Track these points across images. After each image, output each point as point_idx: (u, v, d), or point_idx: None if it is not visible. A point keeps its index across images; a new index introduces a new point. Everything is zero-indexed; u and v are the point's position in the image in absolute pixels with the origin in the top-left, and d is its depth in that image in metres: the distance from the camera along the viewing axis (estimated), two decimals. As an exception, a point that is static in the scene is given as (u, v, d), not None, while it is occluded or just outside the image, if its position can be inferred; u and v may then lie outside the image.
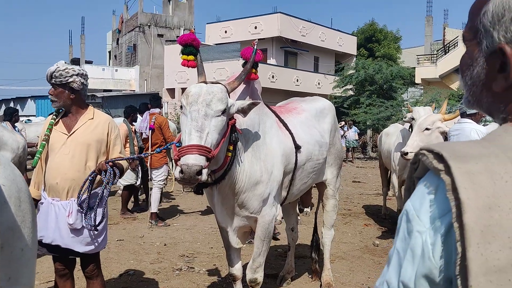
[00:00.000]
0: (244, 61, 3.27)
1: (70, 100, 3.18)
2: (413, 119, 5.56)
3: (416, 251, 0.77)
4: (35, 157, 3.15)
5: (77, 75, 3.15)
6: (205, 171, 2.58)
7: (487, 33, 0.85)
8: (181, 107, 2.85)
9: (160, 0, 34.41)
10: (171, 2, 34.12)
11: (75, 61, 35.30)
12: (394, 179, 6.59)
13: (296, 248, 4.91)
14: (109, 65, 37.46)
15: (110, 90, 31.32)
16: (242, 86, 3.26)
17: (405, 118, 6.07)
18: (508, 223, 0.70)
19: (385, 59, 29.27)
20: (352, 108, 24.11)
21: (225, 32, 28.96)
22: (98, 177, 3.11)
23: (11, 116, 7.79)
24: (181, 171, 2.55)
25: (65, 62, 3.22)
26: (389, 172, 8.04)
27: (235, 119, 2.98)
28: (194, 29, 3.52)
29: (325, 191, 4.27)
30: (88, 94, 28.26)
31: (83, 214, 3.05)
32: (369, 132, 24.38)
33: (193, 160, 2.55)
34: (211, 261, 5.37)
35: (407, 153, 4.72)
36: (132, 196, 8.20)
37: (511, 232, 0.69)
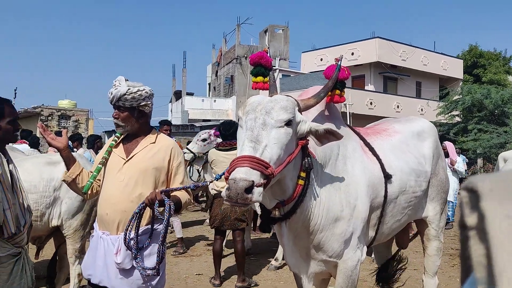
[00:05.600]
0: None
1: (138, 124, 2.81)
2: None
3: None
4: (87, 182, 2.81)
5: (149, 97, 2.79)
6: (257, 190, 2.01)
7: None
8: (239, 119, 2.38)
9: (257, 32, 35.13)
10: (267, 33, 34.65)
11: (178, 93, 37.01)
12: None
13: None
14: (209, 96, 38.75)
15: (209, 120, 32.20)
16: (319, 108, 2.72)
17: None
18: None
19: (494, 85, 26.95)
20: (460, 136, 22.24)
21: (321, 59, 28.56)
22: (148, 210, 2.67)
23: (93, 144, 7.82)
24: (228, 188, 2.02)
25: (126, 79, 2.87)
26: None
27: (308, 140, 2.43)
28: (268, 48, 3.07)
29: (426, 231, 3.52)
30: (188, 124, 29.32)
31: (133, 255, 2.62)
32: (479, 161, 22.25)
33: (242, 174, 2.00)
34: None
35: None
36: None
37: None
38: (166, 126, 6.81)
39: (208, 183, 2.81)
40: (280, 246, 6.05)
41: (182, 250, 6.94)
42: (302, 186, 2.40)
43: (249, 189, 1.98)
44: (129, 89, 2.71)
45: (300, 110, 2.42)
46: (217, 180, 2.82)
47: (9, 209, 2.50)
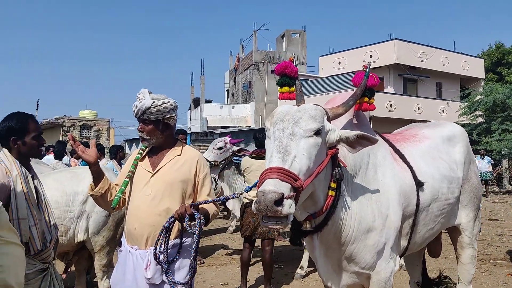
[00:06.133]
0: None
1: (163, 137, 2.78)
2: None
3: None
4: (115, 197, 2.77)
5: (173, 109, 2.75)
6: (288, 203, 1.95)
7: None
8: (266, 130, 2.33)
9: (274, 37, 35.19)
10: (284, 38, 34.69)
11: (196, 101, 37.20)
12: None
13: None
14: (227, 102, 38.88)
15: (228, 127, 32.30)
16: (347, 116, 2.65)
17: None
18: None
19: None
20: (483, 137, 21.78)
21: (339, 63, 28.41)
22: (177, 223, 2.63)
23: (116, 154, 7.83)
24: (257, 201, 1.97)
25: (149, 92, 2.84)
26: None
27: (337, 149, 2.36)
28: (294, 56, 2.99)
29: (459, 239, 3.41)
30: (207, 131, 29.50)
31: (163, 270, 2.59)
32: (505, 162, 21.74)
33: (271, 186, 1.94)
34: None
35: None
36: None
37: None
38: (181, 135, 6.79)
39: (238, 195, 2.76)
40: (305, 254, 5.97)
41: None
42: (333, 197, 2.34)
43: (279, 202, 1.92)
44: (153, 102, 2.68)
45: (329, 119, 2.36)
46: (247, 192, 2.77)
47: (35, 225, 2.48)
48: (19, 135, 2.58)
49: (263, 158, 5.13)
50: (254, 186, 2.35)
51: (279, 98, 2.75)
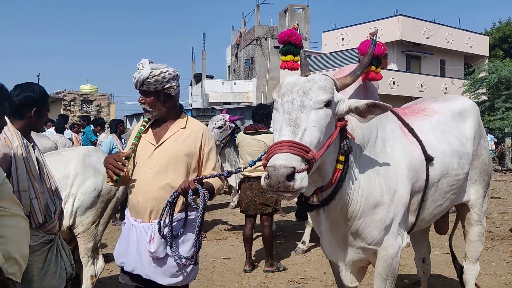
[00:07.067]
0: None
1: (165, 108, 2.70)
2: None
3: None
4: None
5: (173, 78, 2.65)
6: (300, 176, 1.88)
7: None
8: (274, 102, 2.24)
9: (276, 12, 34.73)
10: (287, 13, 34.24)
11: (197, 76, 36.95)
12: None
13: (428, 281, 4.01)
14: (229, 79, 38.61)
15: (230, 103, 32.17)
16: (355, 85, 2.57)
17: None
18: None
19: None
20: (486, 115, 21.65)
21: (342, 39, 28.07)
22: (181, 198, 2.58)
23: (116, 128, 7.76)
24: (267, 176, 1.90)
25: (150, 61, 2.75)
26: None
27: (346, 121, 2.29)
28: (298, 24, 2.85)
29: (468, 216, 3.36)
30: (208, 107, 29.35)
31: (168, 244, 2.55)
32: (507, 140, 21.68)
33: (282, 161, 1.88)
34: (324, 290, 4.68)
35: None
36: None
37: None
38: None
39: (242, 169, 2.70)
40: (307, 229, 5.97)
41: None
42: (341, 170, 2.28)
43: (290, 176, 1.86)
44: (151, 72, 2.60)
45: (338, 89, 2.29)
46: (251, 166, 2.70)
47: (36, 198, 2.42)
48: (39, 106, 2.57)
49: (255, 133, 5.17)
50: (259, 159, 2.28)
51: (280, 67, 2.65)
